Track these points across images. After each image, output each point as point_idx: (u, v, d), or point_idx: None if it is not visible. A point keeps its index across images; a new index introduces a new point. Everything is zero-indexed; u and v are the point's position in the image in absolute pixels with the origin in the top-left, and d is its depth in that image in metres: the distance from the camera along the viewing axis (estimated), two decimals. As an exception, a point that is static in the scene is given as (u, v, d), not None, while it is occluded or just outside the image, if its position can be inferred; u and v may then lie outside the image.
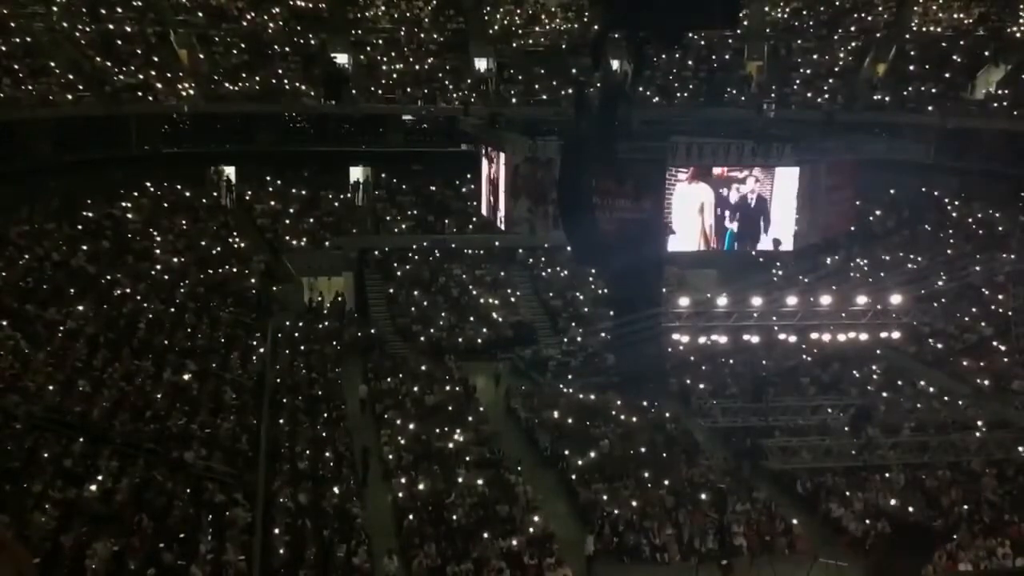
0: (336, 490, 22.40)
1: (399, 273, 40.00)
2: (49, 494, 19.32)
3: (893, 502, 22.91)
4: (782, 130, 33.75)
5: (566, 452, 25.49)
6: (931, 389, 29.97)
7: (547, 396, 29.72)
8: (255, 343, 31.58)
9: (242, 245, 39.63)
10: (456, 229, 42.39)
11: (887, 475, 24.12)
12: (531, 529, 21.47)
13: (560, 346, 34.77)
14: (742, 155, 28.55)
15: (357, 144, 47.60)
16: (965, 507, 22.63)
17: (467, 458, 24.91)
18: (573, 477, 24.51)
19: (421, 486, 23.00)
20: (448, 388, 30.10)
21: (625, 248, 27.92)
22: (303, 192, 44.98)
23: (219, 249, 38.64)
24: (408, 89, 47.31)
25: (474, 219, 41.17)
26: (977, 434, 25.41)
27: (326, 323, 36.14)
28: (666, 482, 23.77)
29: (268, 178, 45.34)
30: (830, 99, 46.18)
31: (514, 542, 20.85)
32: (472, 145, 39.35)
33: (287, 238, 41.11)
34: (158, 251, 36.56)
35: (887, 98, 45.02)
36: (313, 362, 31.61)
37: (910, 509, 22.66)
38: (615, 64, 37.61)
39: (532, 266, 41.26)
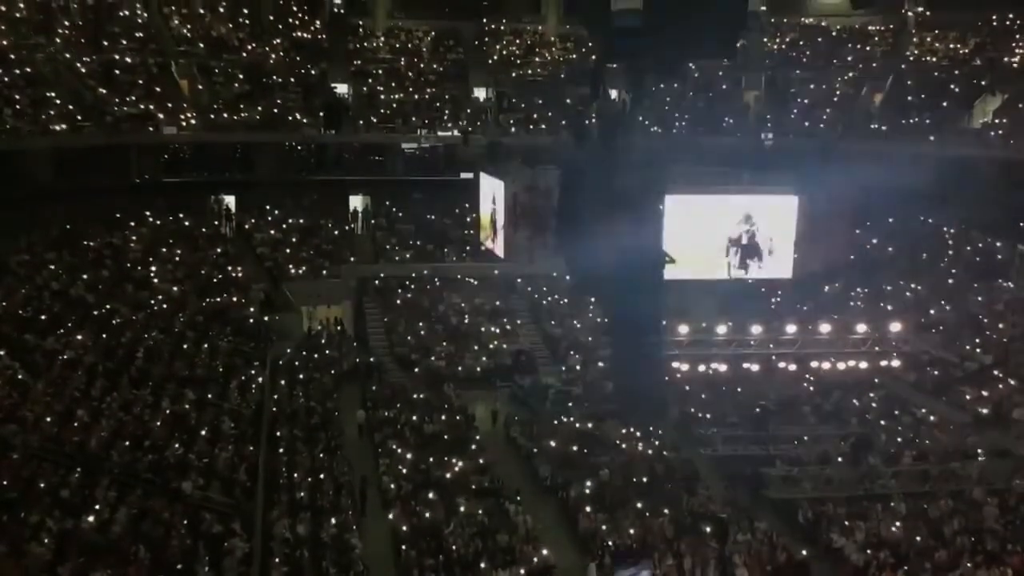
0: (334, 520, 22.27)
1: (398, 302, 40.01)
2: (46, 524, 19.20)
3: (895, 530, 22.81)
4: (780, 159, 33.92)
5: (566, 481, 25.39)
6: (931, 418, 29.92)
7: (547, 425, 29.63)
8: (254, 372, 31.53)
9: (241, 274, 39.66)
10: (455, 258, 42.47)
11: (889, 504, 24.04)
12: (532, 559, 21.34)
13: (560, 374, 34.73)
14: (740, 183, 28.64)
15: (357, 173, 47.79)
16: (968, 537, 22.51)
17: (466, 487, 24.80)
18: (572, 506, 24.40)
19: (420, 516, 22.89)
20: (447, 417, 30.02)
21: (624, 276, 27.95)
22: (302, 221, 45.08)
23: (218, 278, 38.66)
24: (408, 119, 47.56)
25: (471, 248, 41.24)
26: (977, 463, 25.36)
27: (325, 352, 36.07)
28: (666, 511, 23.65)
29: (268, 207, 45.45)
30: (828, 128, 46.38)
31: (515, 572, 20.70)
32: (471, 174, 39.51)
33: (287, 267, 41.14)
34: (157, 280, 36.57)
35: (884, 127, 45.23)
36: (312, 391, 31.54)
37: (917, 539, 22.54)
38: (614, 93, 37.85)
39: (531, 294, 41.29)
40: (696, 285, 29.64)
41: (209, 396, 28.15)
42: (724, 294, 31.57)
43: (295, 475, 24.60)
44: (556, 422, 29.79)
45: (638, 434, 28.47)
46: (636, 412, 29.51)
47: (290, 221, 45.15)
